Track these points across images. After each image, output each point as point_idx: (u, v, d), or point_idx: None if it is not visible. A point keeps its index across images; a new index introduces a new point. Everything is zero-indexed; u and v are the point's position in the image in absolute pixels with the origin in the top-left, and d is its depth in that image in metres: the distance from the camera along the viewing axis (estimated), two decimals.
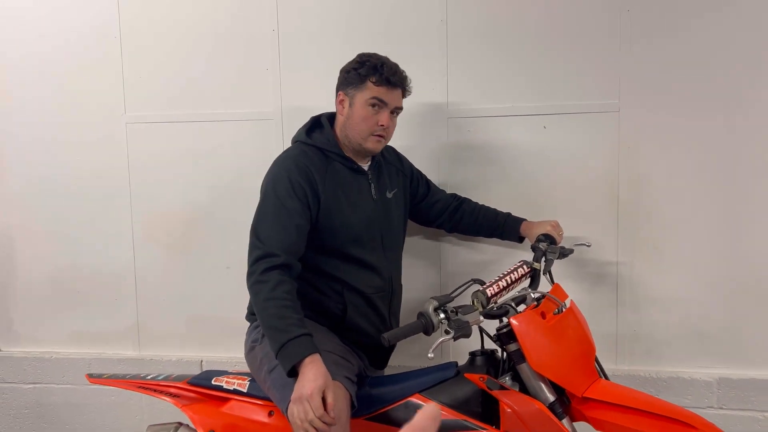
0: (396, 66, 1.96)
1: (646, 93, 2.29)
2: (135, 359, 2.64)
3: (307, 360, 1.63)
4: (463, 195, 2.34)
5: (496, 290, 1.81)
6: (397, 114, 2.01)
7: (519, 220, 2.20)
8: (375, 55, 1.98)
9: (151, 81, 2.56)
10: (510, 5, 2.33)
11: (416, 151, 2.36)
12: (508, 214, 2.24)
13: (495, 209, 2.27)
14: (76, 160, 2.64)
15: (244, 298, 2.48)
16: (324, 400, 1.59)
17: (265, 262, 1.77)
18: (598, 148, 2.34)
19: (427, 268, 2.45)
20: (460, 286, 1.83)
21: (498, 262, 2.39)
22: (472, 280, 1.86)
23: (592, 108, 2.33)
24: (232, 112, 2.51)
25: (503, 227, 2.22)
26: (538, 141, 2.37)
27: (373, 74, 1.92)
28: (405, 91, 2.00)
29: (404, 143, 2.31)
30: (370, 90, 1.92)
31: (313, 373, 1.62)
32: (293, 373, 1.65)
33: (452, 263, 2.46)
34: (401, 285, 2.15)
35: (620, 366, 2.38)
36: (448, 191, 2.35)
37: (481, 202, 2.31)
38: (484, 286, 1.80)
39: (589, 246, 2.17)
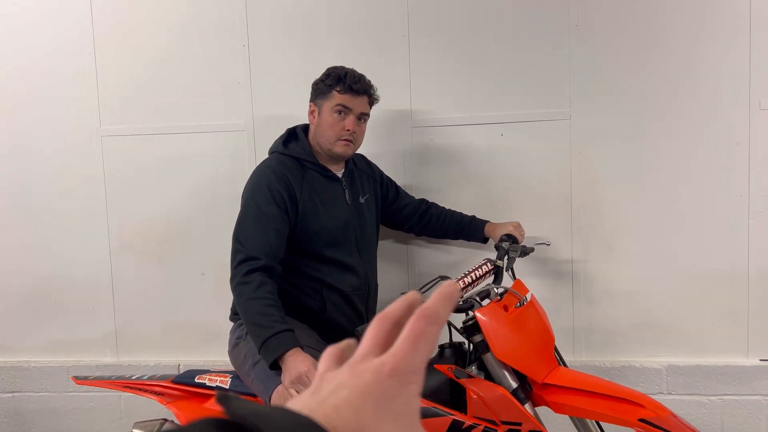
0: (360, 76, 2.11)
1: (594, 101, 2.46)
2: (114, 365, 2.71)
3: (290, 353, 1.75)
4: (427, 198, 2.48)
5: (462, 286, 1.95)
6: (364, 120, 2.15)
7: (483, 222, 2.35)
8: (341, 67, 2.12)
9: (125, 94, 2.64)
10: (468, 22, 2.49)
11: (383, 158, 2.49)
12: (473, 217, 2.39)
13: (460, 212, 2.42)
14: (51, 172, 2.70)
15: (218, 302, 2.62)
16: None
17: (247, 265, 1.88)
18: (552, 153, 2.50)
19: (397, 269, 2.59)
20: (428, 283, 1.97)
21: (464, 262, 2.54)
22: (440, 277, 2.00)
23: (545, 116, 2.50)
24: (205, 124, 2.61)
25: (468, 229, 2.36)
26: (496, 147, 2.53)
27: (337, 84, 2.07)
28: (371, 97, 2.14)
29: (372, 150, 2.44)
30: (335, 98, 2.07)
31: (298, 360, 1.73)
32: (275, 366, 1.75)
33: (420, 264, 2.60)
34: (377, 284, 2.29)
35: (578, 357, 2.54)
36: (414, 195, 2.49)
37: (444, 205, 2.46)
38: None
39: (548, 245, 2.33)
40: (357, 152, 2.30)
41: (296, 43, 2.56)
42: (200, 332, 2.69)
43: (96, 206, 2.69)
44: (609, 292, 2.53)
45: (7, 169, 2.72)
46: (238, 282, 1.88)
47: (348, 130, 2.08)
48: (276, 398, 1.75)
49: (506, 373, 1.85)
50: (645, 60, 2.43)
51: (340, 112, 2.07)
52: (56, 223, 2.71)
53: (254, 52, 2.57)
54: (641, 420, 1.67)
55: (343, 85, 2.06)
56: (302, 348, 1.79)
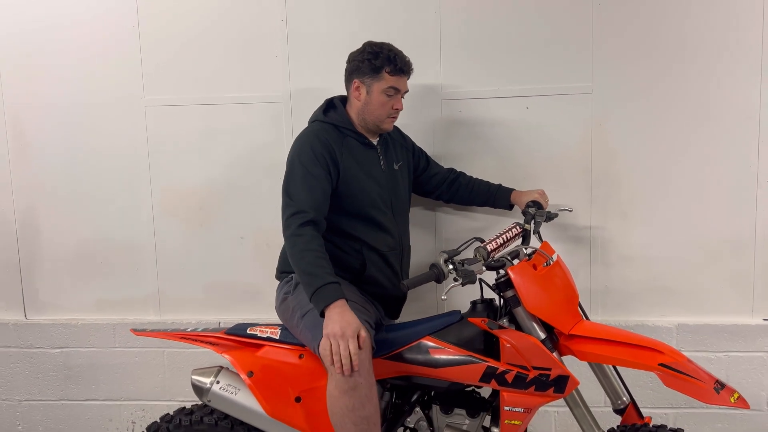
0: (405, 56, 2.24)
1: (615, 76, 2.61)
2: (156, 323, 2.87)
3: (337, 303, 1.91)
4: (454, 167, 2.63)
5: (495, 246, 2.11)
6: (404, 96, 2.30)
7: (509, 190, 2.51)
8: (386, 45, 2.23)
9: (168, 66, 2.78)
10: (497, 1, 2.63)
11: (413, 129, 2.63)
12: (499, 185, 2.55)
13: (487, 181, 2.57)
14: (97, 141, 2.84)
15: (258, 264, 2.80)
16: (358, 337, 1.88)
17: (298, 218, 2.04)
18: (574, 125, 2.65)
19: (425, 234, 2.74)
20: (464, 243, 2.13)
21: (488, 228, 2.70)
22: (474, 238, 2.17)
23: (568, 90, 2.63)
24: (244, 95, 2.75)
25: (495, 196, 2.52)
26: (521, 120, 2.67)
27: (388, 65, 2.19)
28: (410, 75, 2.28)
29: (403, 122, 2.57)
30: (386, 80, 2.20)
31: (341, 316, 1.89)
32: (323, 314, 1.92)
33: (447, 230, 2.76)
34: (410, 245, 2.45)
35: (594, 317, 2.71)
36: (442, 164, 2.64)
37: (470, 174, 2.61)
38: (485, 243, 2.10)
39: (570, 211, 2.50)
40: None
41: (331, 18, 2.69)
42: (240, 292, 2.86)
43: (140, 173, 2.84)
44: (624, 257, 2.70)
45: (55, 136, 2.86)
46: (292, 233, 2.03)
47: (397, 109, 2.24)
48: (324, 344, 1.91)
49: (535, 324, 2.02)
50: (670, 33, 2.56)
51: (390, 94, 2.21)
52: (102, 188, 2.86)
53: (291, 26, 2.70)
54: (661, 365, 1.84)
55: (394, 67, 2.19)
56: (347, 300, 1.96)
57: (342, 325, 1.88)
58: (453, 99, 2.69)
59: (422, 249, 2.70)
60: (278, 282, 2.31)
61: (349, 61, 2.29)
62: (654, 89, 2.60)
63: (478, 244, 2.11)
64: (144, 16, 2.76)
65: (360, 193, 2.21)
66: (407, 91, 2.29)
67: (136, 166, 2.84)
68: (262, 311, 2.78)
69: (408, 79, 2.28)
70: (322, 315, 1.93)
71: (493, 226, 2.70)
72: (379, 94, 2.21)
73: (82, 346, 2.95)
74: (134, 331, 2.31)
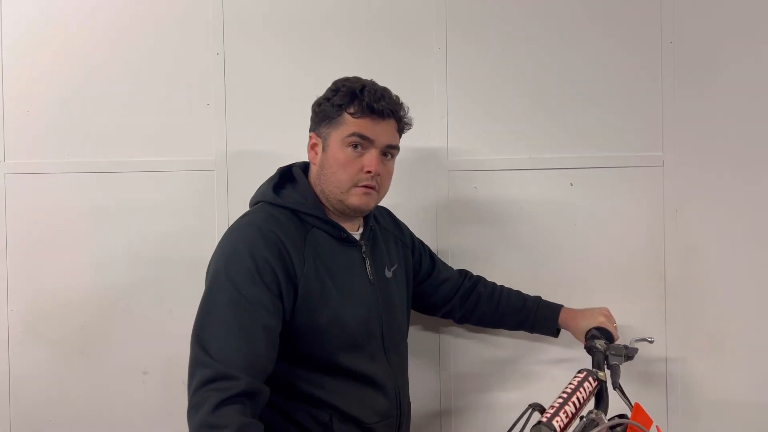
0: (384, 90, 1.41)
1: (696, 142, 1.84)
2: None
3: None
4: (467, 269, 1.79)
5: (565, 420, 1.23)
6: (392, 156, 1.45)
7: (556, 308, 1.66)
8: (354, 78, 1.43)
9: (43, 118, 1.86)
10: (524, 31, 1.85)
11: (407, 212, 1.79)
12: (539, 299, 1.70)
13: (520, 292, 1.72)
14: None
15: (168, 413, 1.83)
16: None
17: (216, 391, 1.12)
18: (638, 211, 1.85)
19: (422, 370, 1.84)
20: (518, 419, 1.23)
21: (520, 359, 1.84)
22: (530, 406, 1.27)
23: (629, 162, 1.85)
24: (158, 161, 1.85)
25: (535, 317, 1.67)
26: (562, 201, 1.86)
27: (350, 103, 1.37)
28: (401, 122, 1.45)
29: (392, 202, 1.72)
30: (349, 124, 1.37)
31: None
32: None
33: (456, 362, 1.86)
34: (410, 402, 1.54)
35: None
36: (450, 264, 1.78)
37: (490, 279, 1.77)
38: (548, 415, 1.22)
39: (652, 341, 1.64)
40: (380, 205, 1.60)
41: (291, 50, 1.86)
42: None
43: None
44: (716, 403, 1.85)
45: None
46: (202, 422, 1.10)
47: (369, 172, 1.37)
48: None
49: None
50: (761, 84, 1.82)
51: (356, 146, 1.37)
52: None
53: (231, 62, 1.85)
54: None
55: (360, 105, 1.36)
56: None
57: None
58: (464, 170, 1.86)
59: (421, 396, 1.80)
60: None
61: (312, 110, 1.45)
62: (753, 160, 1.82)
63: (537, 416, 1.22)
64: (8, 44, 1.86)
65: (331, 325, 1.32)
66: (395, 147, 1.44)
67: None
68: None
69: (398, 126, 1.44)
70: None
71: (529, 357, 1.84)
72: (339, 147, 1.37)
73: None
74: None
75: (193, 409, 1.13)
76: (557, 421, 1.21)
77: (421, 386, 1.82)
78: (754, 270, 1.83)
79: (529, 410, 1.26)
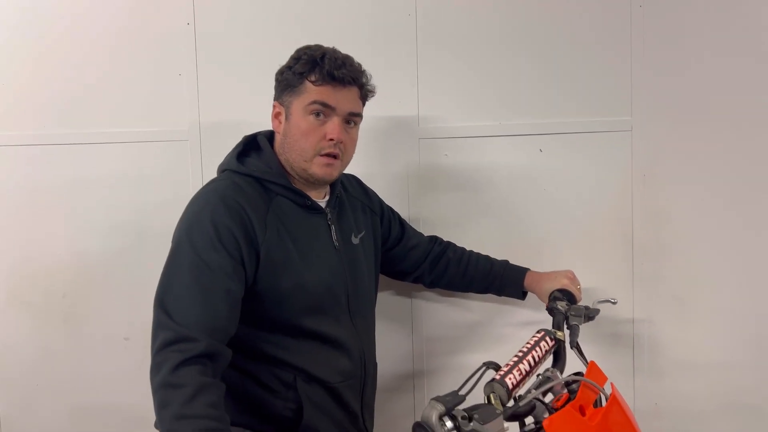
0: (345, 57, 1.43)
1: (665, 108, 1.86)
2: None
3: None
4: (438, 235, 1.82)
5: (518, 378, 1.28)
6: (355, 124, 1.47)
7: (522, 271, 1.70)
8: (316, 46, 1.45)
9: (23, 91, 1.88)
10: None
11: (378, 181, 1.82)
12: (506, 263, 1.74)
13: (488, 256, 1.76)
14: None
15: (147, 380, 1.87)
16: None
17: (177, 352, 1.17)
18: (607, 176, 1.88)
19: (397, 333, 1.89)
20: (470, 377, 1.27)
21: (489, 322, 1.89)
22: (485, 364, 1.31)
23: (598, 126, 1.87)
24: (132, 131, 1.88)
25: (502, 280, 1.71)
26: (532, 167, 1.88)
27: (312, 71, 1.39)
28: (363, 88, 1.46)
29: (363, 170, 1.76)
30: (310, 92, 1.39)
31: None
32: None
33: (429, 325, 1.91)
34: (376, 364, 1.60)
35: None
36: (421, 231, 1.82)
37: (461, 245, 1.80)
38: (501, 372, 1.27)
39: (615, 302, 1.67)
40: (348, 173, 1.62)
41: (261, 21, 1.86)
42: (122, 420, 1.93)
43: None
44: (681, 363, 1.91)
45: None
46: (162, 381, 1.16)
47: (331, 140, 1.40)
48: None
49: None
50: (735, 47, 1.82)
51: (318, 114, 1.39)
52: None
53: (202, 33, 1.86)
54: None
55: (321, 72, 1.38)
56: None
57: None
58: (435, 138, 1.88)
59: (395, 357, 1.85)
60: None
61: (275, 79, 1.47)
62: (722, 124, 1.85)
63: (491, 373, 1.27)
64: None
65: (293, 290, 1.36)
66: (358, 115, 1.46)
67: None
68: None
69: (360, 93, 1.46)
70: None
71: (496, 320, 1.88)
72: (301, 115, 1.40)
73: None
74: None
75: (154, 369, 1.18)
76: (510, 379, 1.26)
77: (394, 349, 1.88)
78: (720, 233, 1.87)
79: (483, 368, 1.30)
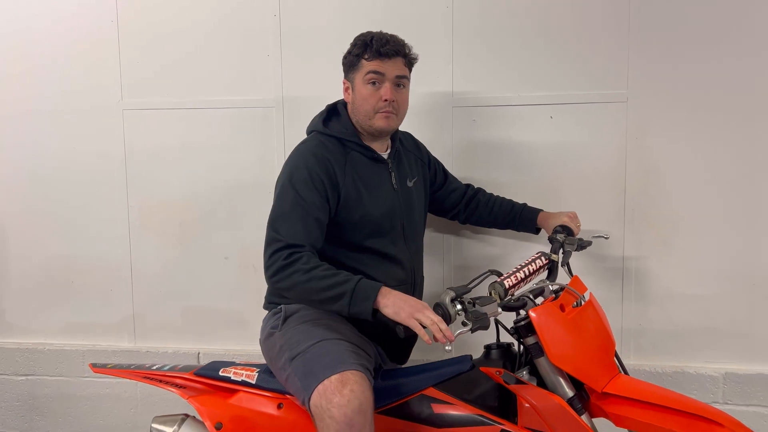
0: (391, 36, 1.89)
1: (655, 83, 2.25)
2: (130, 351, 2.57)
3: (381, 292, 1.64)
4: (471, 184, 2.30)
5: (514, 281, 1.77)
6: (404, 85, 1.92)
7: (536, 211, 2.16)
8: (367, 32, 1.91)
9: (149, 66, 2.48)
10: None
11: (422, 139, 2.29)
12: (524, 205, 2.20)
13: (510, 199, 2.23)
14: (70, 148, 2.55)
15: (242, 289, 2.48)
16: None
17: (286, 253, 1.71)
18: (606, 139, 2.30)
19: (433, 262, 2.39)
20: (477, 277, 1.78)
21: (507, 255, 2.37)
22: (489, 271, 1.81)
23: (599, 98, 2.29)
24: (231, 99, 2.44)
25: (519, 218, 2.18)
26: (544, 131, 2.33)
27: (364, 51, 1.87)
28: (406, 57, 1.92)
29: (411, 131, 2.25)
30: (365, 66, 1.87)
31: (397, 298, 1.63)
32: (374, 314, 1.64)
33: (460, 256, 2.42)
34: (423, 277, 2.11)
35: (626, 360, 2.30)
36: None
37: (489, 191, 2.28)
38: (502, 278, 1.76)
39: (607, 238, 2.14)
40: (404, 130, 2.12)
41: (329, 14, 2.37)
42: (222, 320, 2.54)
43: (115, 185, 2.54)
44: (662, 292, 2.33)
45: (23, 142, 2.58)
46: (281, 266, 1.69)
47: (386, 100, 1.87)
48: (317, 398, 1.58)
49: (562, 380, 1.67)
50: (718, 34, 2.21)
51: (373, 82, 1.87)
52: (74, 201, 2.57)
53: (286, 22, 2.39)
54: None
55: (371, 51, 1.85)
56: (341, 340, 1.71)
57: (410, 303, 1.62)
58: (466, 106, 2.35)
59: (429, 280, 2.36)
60: (266, 312, 1.97)
61: (342, 63, 1.98)
62: (703, 98, 2.24)
63: (494, 278, 1.77)
64: (124, 8, 2.46)
65: (363, 220, 1.87)
66: (405, 77, 1.91)
67: (112, 177, 2.54)
68: (247, 342, 2.46)
69: (405, 62, 1.91)
70: (374, 317, 1.64)
71: (514, 254, 2.36)
72: (361, 85, 1.88)
73: (49, 374, 2.65)
74: (93, 366, 2.00)
75: (271, 266, 1.71)
76: (508, 282, 1.75)
77: (431, 275, 2.38)
78: (698, 187, 2.26)
79: (487, 273, 1.80)
